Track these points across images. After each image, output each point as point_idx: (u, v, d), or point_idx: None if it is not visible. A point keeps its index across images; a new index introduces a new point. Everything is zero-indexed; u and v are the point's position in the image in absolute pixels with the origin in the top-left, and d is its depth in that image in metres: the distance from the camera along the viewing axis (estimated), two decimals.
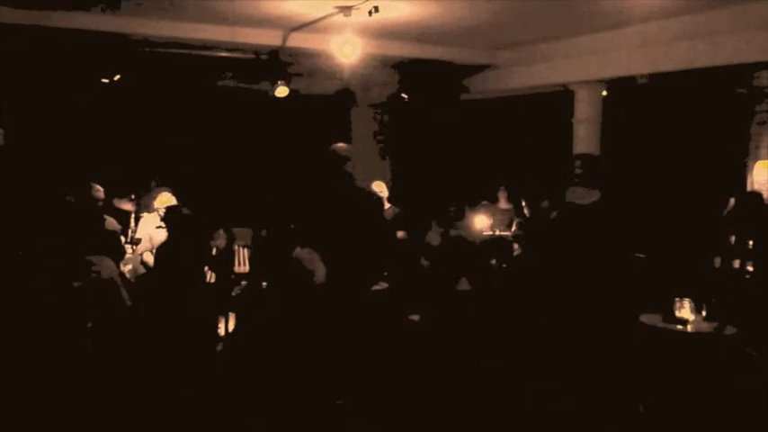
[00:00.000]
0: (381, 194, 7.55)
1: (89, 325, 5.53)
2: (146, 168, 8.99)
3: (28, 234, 5.70)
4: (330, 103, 10.64)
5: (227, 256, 7.33)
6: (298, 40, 8.35)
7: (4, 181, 6.52)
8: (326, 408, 4.21)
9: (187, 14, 7.59)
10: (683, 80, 8.11)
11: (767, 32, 6.56)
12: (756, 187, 7.98)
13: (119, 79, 8.76)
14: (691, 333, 5.10)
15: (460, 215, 8.58)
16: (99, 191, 6.49)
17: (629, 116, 9.23)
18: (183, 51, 8.76)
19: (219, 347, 6.17)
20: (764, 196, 6.94)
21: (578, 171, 4.94)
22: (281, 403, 3.91)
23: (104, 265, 5.68)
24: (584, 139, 8.92)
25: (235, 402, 4.04)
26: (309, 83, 10.08)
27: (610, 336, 4.78)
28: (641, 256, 6.39)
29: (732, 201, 6.82)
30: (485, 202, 9.12)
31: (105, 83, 8.78)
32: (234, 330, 6.47)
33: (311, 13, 7.32)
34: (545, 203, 7.67)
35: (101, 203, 6.50)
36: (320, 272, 4.18)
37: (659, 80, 8.38)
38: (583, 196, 4.92)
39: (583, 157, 5.46)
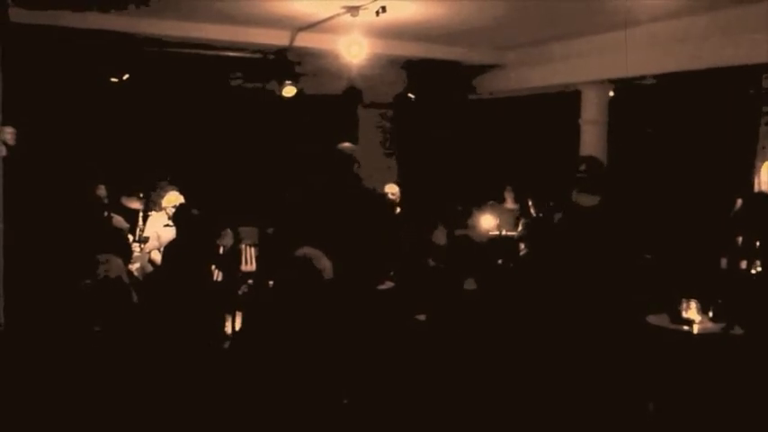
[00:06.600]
0: (393, 197, 7.55)
1: (97, 323, 5.56)
2: (154, 167, 9.03)
3: (38, 233, 5.73)
4: (337, 103, 10.66)
5: (234, 254, 7.36)
6: (305, 40, 8.38)
7: (14, 180, 6.56)
8: (332, 407, 4.22)
9: (195, 14, 7.63)
10: (690, 81, 8.10)
11: None
12: (764, 188, 7.94)
13: (127, 79, 8.81)
14: (697, 334, 5.10)
15: (467, 215, 8.59)
16: (101, 189, 6.54)
17: (636, 117, 9.21)
18: (191, 51, 8.80)
19: (226, 346, 6.20)
20: None
21: (581, 174, 4.95)
22: (288, 402, 3.93)
23: (112, 264, 5.70)
24: (591, 139, 8.92)
25: (241, 400, 4.06)
26: (317, 82, 10.10)
27: (617, 336, 4.79)
28: (648, 256, 6.38)
29: (739, 201, 6.80)
30: (491, 201, 9.13)
31: (114, 82, 8.83)
32: (241, 329, 6.49)
33: (319, 12, 7.34)
34: (551, 204, 7.69)
35: (105, 201, 6.56)
36: (327, 269, 4.20)
37: (666, 81, 8.37)
38: (586, 199, 4.92)
39: (586, 159, 5.45)
